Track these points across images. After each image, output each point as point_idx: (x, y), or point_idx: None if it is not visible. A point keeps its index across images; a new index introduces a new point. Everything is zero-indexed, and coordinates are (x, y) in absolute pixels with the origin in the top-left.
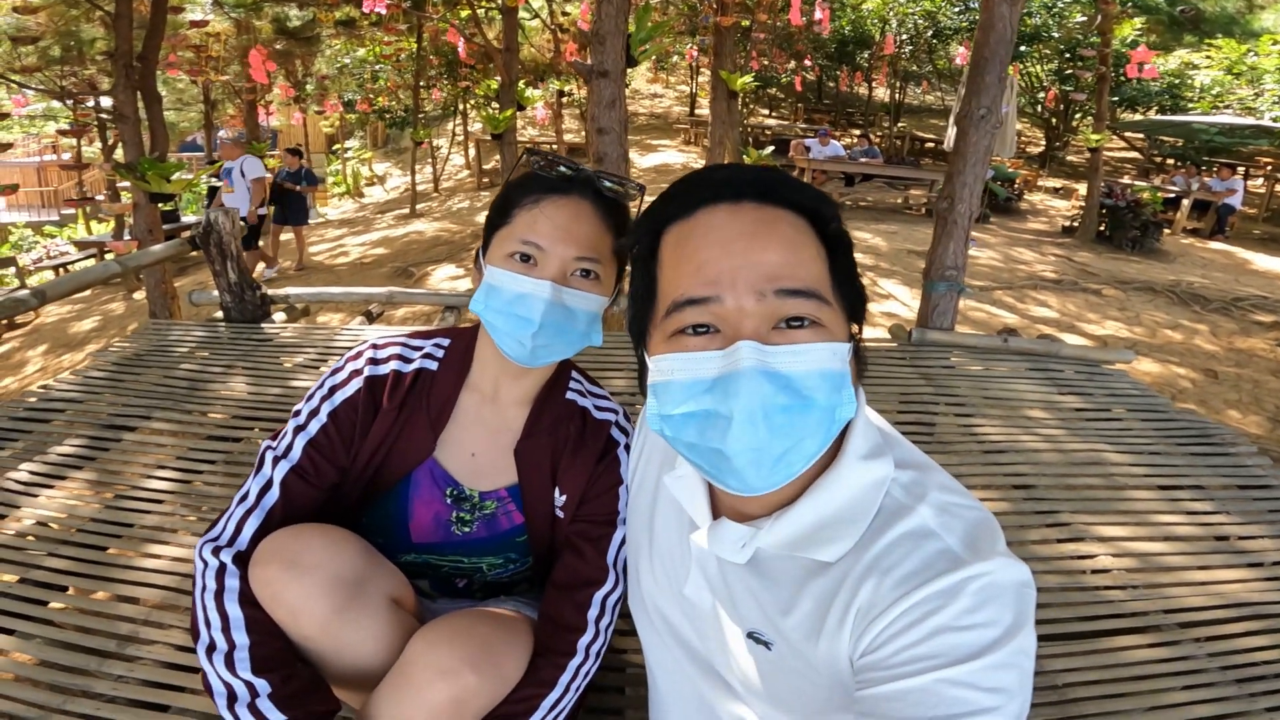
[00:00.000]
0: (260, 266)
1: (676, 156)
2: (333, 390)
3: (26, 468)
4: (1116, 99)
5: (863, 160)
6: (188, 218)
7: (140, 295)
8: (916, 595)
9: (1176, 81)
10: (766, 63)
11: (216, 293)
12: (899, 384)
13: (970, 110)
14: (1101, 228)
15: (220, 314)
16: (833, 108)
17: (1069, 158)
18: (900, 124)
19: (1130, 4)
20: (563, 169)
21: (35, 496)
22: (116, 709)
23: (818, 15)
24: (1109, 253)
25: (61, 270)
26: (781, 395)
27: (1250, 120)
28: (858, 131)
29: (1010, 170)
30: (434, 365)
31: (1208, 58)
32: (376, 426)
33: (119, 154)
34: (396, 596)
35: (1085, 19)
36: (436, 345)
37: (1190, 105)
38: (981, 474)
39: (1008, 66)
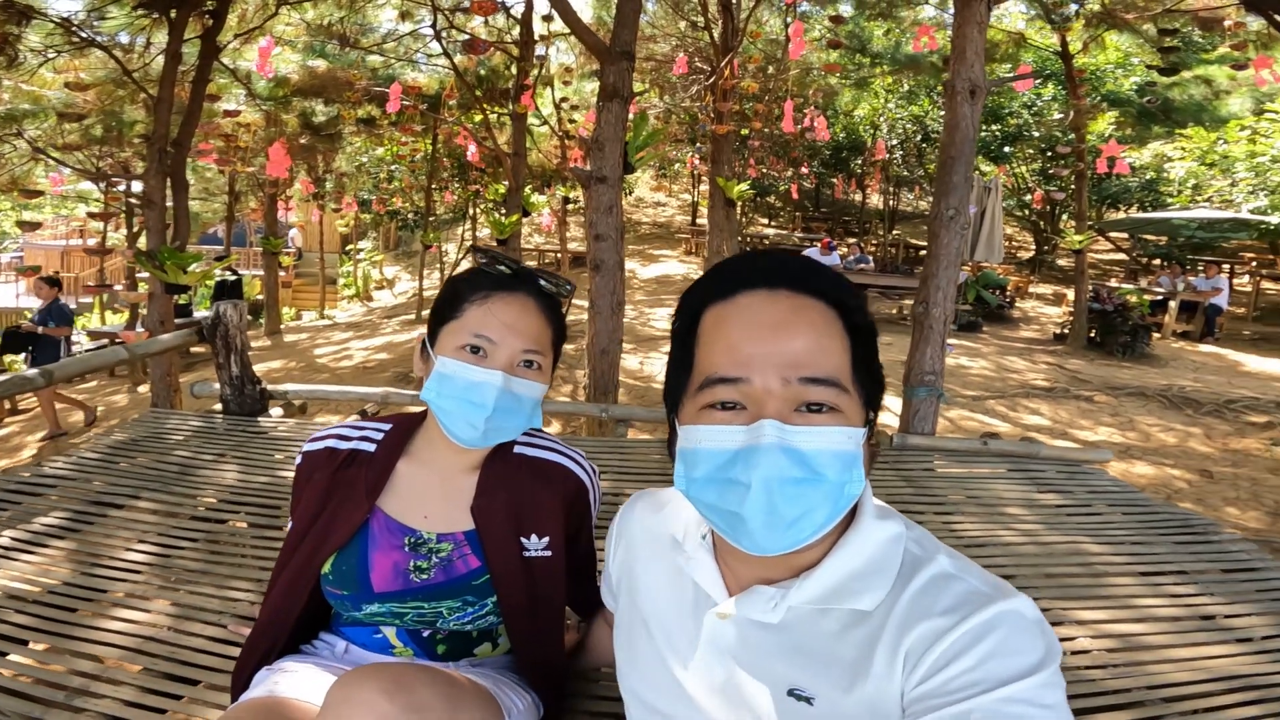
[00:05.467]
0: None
1: (678, 267)
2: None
3: (9, 534)
4: (1099, 198)
5: (858, 268)
6: (201, 313)
7: (145, 388)
8: (962, 627)
9: (1154, 176)
10: (764, 170)
11: (218, 385)
12: (883, 487)
13: (939, 211)
14: (1091, 333)
15: (219, 406)
16: (829, 215)
17: (1059, 261)
18: (895, 231)
19: (1100, 99)
20: (506, 267)
21: (12, 560)
22: None
23: (809, 122)
24: (1100, 359)
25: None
26: (795, 469)
27: (1228, 213)
28: (853, 239)
29: (1000, 276)
30: (371, 447)
31: (1180, 149)
32: (308, 493)
33: (142, 241)
34: None
35: (1062, 116)
36: (376, 430)
37: (1170, 200)
38: None
39: (973, 165)
